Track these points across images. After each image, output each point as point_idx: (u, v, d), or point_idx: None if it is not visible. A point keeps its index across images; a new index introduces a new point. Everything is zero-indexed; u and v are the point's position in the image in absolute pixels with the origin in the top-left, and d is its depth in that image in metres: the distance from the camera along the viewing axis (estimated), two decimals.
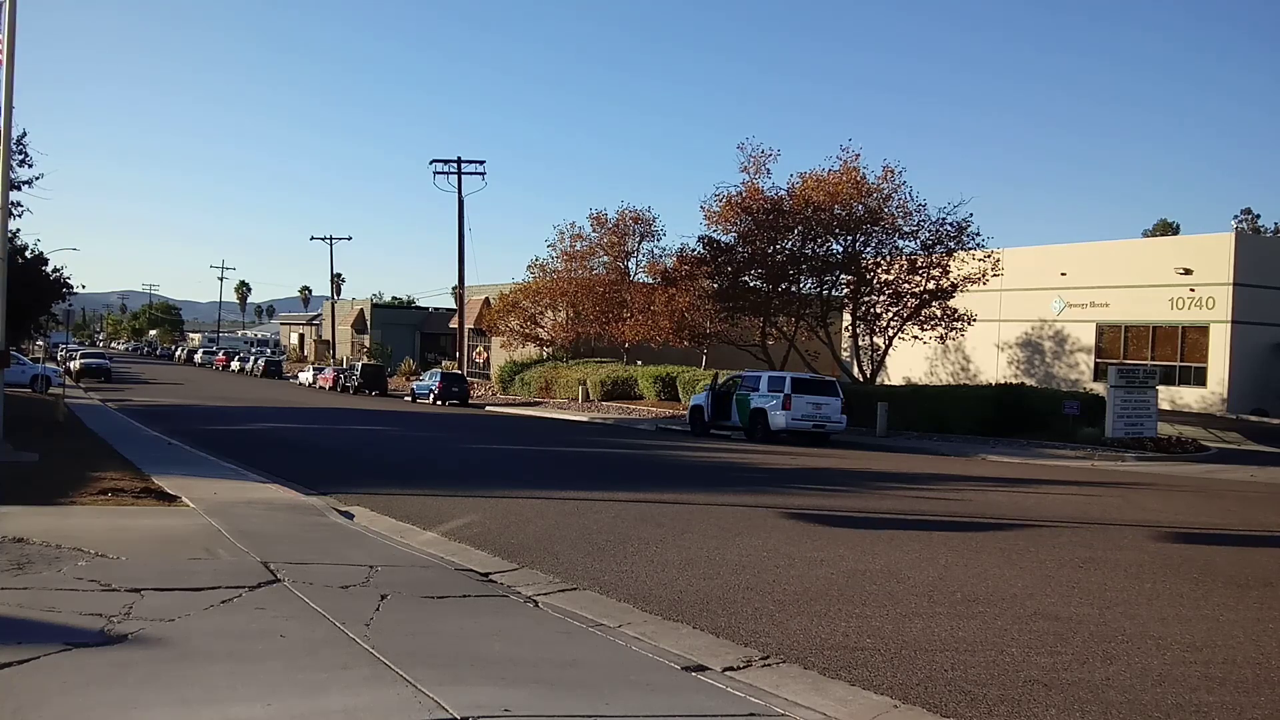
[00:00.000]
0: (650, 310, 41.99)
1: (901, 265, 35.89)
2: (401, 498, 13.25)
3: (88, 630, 5.98)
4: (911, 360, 41.96)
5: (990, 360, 42.32)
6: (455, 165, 53.19)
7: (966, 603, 8.20)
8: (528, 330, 51.71)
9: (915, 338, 36.67)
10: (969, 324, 36.47)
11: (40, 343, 48.59)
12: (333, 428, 27.98)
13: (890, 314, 36.37)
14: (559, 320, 50.86)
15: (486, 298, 58.88)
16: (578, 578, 8.60)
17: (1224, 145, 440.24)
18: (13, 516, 9.65)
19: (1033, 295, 40.73)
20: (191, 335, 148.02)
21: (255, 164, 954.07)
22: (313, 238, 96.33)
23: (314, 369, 66.93)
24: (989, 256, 35.53)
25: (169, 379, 61.53)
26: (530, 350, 53.18)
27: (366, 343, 78.02)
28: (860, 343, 37.95)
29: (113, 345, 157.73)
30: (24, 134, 27.32)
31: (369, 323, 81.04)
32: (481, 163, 54.02)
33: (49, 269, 33.36)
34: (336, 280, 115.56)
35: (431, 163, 53.11)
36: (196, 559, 8.37)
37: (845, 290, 37.77)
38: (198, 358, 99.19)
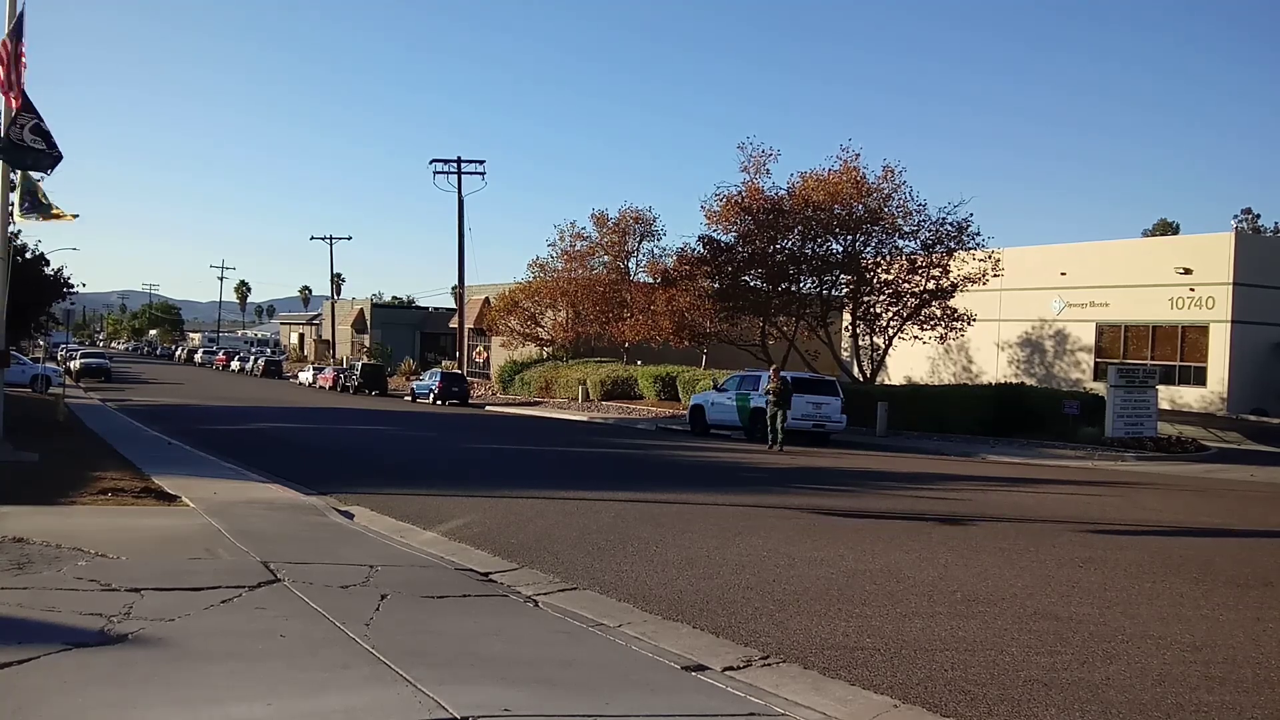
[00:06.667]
0: (650, 310, 41.95)
1: (901, 265, 35.90)
2: (401, 497, 13.25)
3: (88, 630, 5.98)
4: (912, 360, 41.95)
5: (990, 360, 42.33)
6: (455, 165, 53.24)
7: (966, 602, 8.21)
8: (528, 330, 51.71)
9: (915, 338, 36.67)
10: (969, 324, 36.49)
11: (40, 342, 48.52)
12: (333, 427, 27.99)
13: (890, 314, 36.38)
14: (559, 320, 50.85)
15: (486, 297, 58.87)
16: (578, 577, 8.60)
17: (1224, 145, 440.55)
18: (13, 516, 9.65)
19: (1033, 295, 40.72)
20: (191, 335, 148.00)
21: (255, 164, 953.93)
22: (313, 238, 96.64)
23: (314, 369, 66.93)
24: (989, 256, 35.53)
25: (169, 379, 61.54)
26: (530, 350, 53.17)
27: (366, 342, 78.03)
28: (860, 343, 37.95)
29: (113, 345, 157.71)
30: None
31: (369, 322, 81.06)
32: (481, 162, 54.14)
33: (49, 269, 33.33)
34: (336, 280, 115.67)
35: (431, 162, 53.22)
36: (196, 559, 8.37)
37: (845, 290, 37.77)
38: (198, 357, 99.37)
